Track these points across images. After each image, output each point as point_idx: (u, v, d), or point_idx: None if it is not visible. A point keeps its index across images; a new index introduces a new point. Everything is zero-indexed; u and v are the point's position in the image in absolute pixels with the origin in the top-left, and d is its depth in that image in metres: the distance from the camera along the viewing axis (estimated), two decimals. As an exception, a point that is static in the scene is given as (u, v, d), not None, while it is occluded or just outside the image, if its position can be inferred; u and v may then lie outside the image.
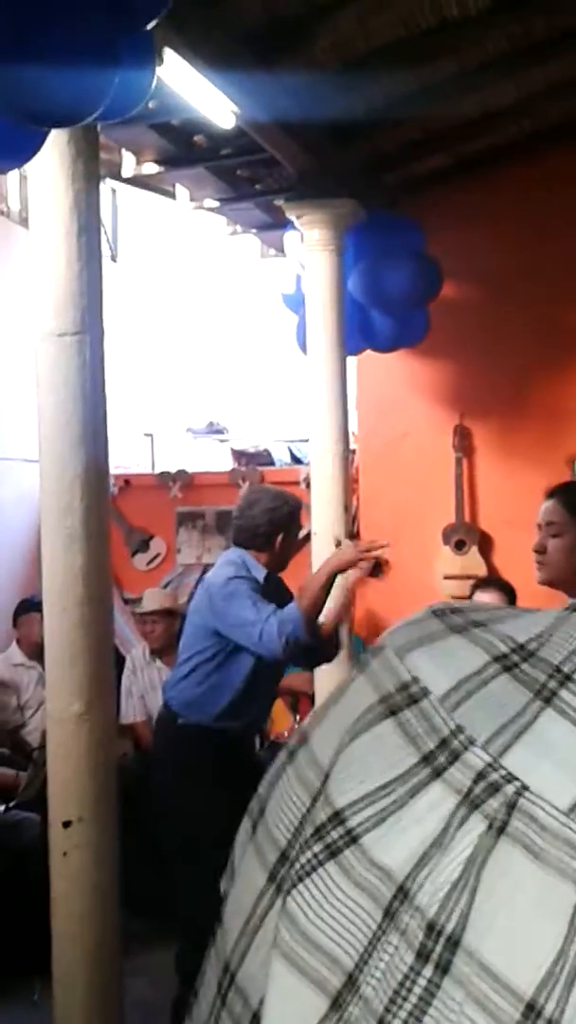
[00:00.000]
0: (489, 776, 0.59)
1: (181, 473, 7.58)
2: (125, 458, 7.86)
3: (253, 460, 8.18)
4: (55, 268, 3.20)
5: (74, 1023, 3.28)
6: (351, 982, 0.60)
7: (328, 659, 4.37)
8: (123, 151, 5.49)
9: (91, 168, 3.23)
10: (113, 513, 7.48)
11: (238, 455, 8.47)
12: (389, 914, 0.60)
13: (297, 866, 0.67)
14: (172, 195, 6.38)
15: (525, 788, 0.59)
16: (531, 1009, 0.53)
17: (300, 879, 0.66)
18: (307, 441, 6.58)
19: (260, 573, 4.09)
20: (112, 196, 8.37)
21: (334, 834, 0.66)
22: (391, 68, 4.88)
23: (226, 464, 8.23)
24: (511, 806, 0.58)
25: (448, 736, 0.65)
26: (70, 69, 2.44)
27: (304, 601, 3.81)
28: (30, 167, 3.20)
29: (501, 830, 0.59)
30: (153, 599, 6.42)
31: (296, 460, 8.26)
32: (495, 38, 5.03)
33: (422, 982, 0.56)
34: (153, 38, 3.17)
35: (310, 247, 5.54)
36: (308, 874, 0.65)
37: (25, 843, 5.13)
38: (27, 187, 3.37)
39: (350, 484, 5.98)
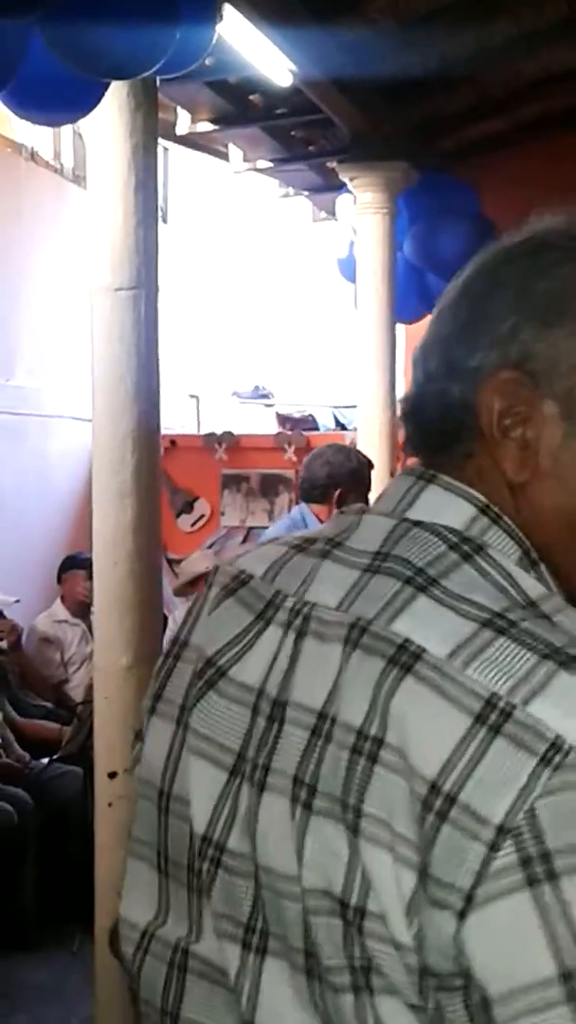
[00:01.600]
0: (297, 609, 0.94)
1: (227, 435, 7.60)
2: (171, 419, 7.88)
3: (298, 425, 8.19)
4: (112, 223, 3.20)
5: (114, 973, 3.32)
6: (240, 757, 0.94)
7: None
8: (178, 109, 5.47)
9: (149, 123, 3.22)
10: (160, 473, 7.52)
11: (283, 419, 8.48)
12: (254, 710, 0.94)
13: (190, 701, 0.99)
14: (225, 156, 6.36)
15: (314, 605, 0.93)
16: (322, 718, 0.87)
17: (193, 706, 0.99)
18: (353, 407, 6.58)
19: (312, 526, 4.08)
20: (164, 156, 8.36)
21: (209, 672, 0.99)
22: (449, 28, 4.84)
23: (271, 428, 8.24)
24: (307, 617, 0.93)
25: (271, 597, 0.98)
26: (131, 22, 2.44)
27: None
28: (88, 122, 3.20)
29: (303, 632, 0.93)
30: (203, 560, 6.43)
31: (341, 426, 8.26)
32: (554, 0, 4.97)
33: (272, 731, 0.91)
34: (213, -7, 3.18)
35: (362, 210, 5.52)
36: (197, 702, 0.98)
37: (68, 796, 5.20)
38: (81, 145, 3.38)
39: (397, 451, 5.97)
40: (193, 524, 7.62)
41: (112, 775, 3.27)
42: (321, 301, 8.22)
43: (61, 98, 2.72)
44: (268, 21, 4.04)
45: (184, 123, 5.49)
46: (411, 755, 0.81)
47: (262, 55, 4.25)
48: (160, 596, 3.49)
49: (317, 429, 8.20)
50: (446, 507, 0.93)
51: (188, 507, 7.63)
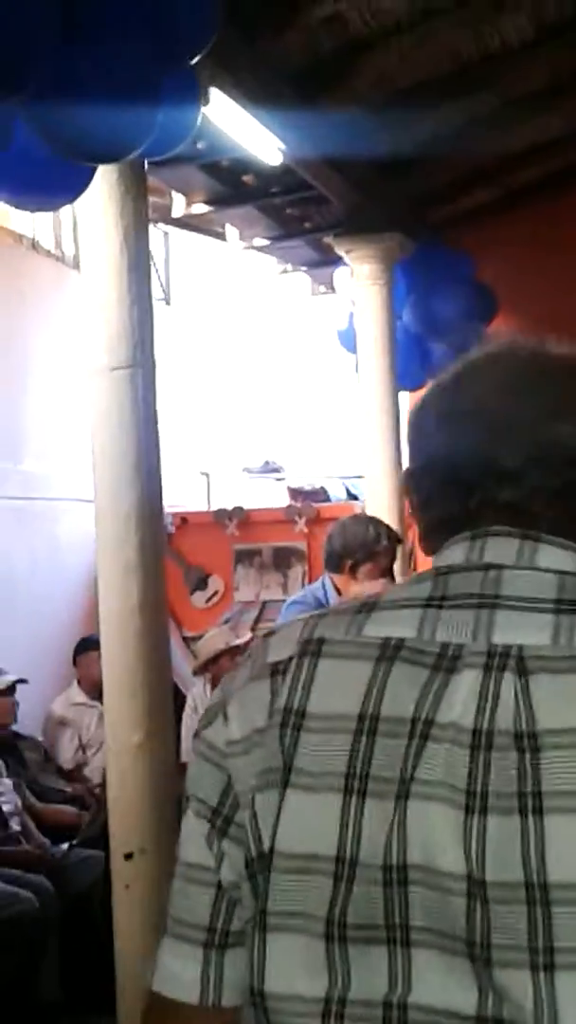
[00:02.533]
0: (493, 653, 1.04)
1: (237, 510, 7.61)
2: (182, 497, 7.92)
3: (309, 498, 8.20)
4: (106, 303, 3.25)
5: None
6: (472, 793, 1.01)
7: None
8: (173, 192, 5.56)
9: (139, 205, 3.28)
10: (171, 551, 7.52)
11: (294, 493, 8.49)
12: (475, 747, 1.03)
13: (408, 761, 1.05)
14: (222, 236, 6.45)
15: (521, 647, 1.02)
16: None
17: (415, 763, 1.05)
18: (362, 477, 6.59)
19: (331, 596, 4.06)
20: (164, 240, 8.48)
21: (419, 727, 1.05)
22: (434, 102, 4.94)
23: (282, 502, 8.25)
24: (519, 658, 1.02)
25: (439, 651, 1.07)
26: (113, 104, 2.49)
27: None
28: (81, 206, 3.26)
29: (520, 671, 1.02)
30: (219, 637, 6.41)
31: (352, 497, 8.27)
32: (538, 69, 5.07)
33: (526, 760, 1.00)
34: (197, 75, 3.24)
35: (360, 281, 5.58)
36: (418, 756, 1.06)
37: (89, 882, 5.14)
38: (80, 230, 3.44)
39: (405, 519, 5.97)
40: (207, 600, 7.62)
41: (128, 856, 3.24)
42: (324, 374, 8.28)
43: (49, 182, 2.77)
44: (254, 102, 4.11)
45: (180, 205, 5.58)
46: None
47: (251, 136, 4.33)
48: (170, 671, 3.46)
49: (328, 500, 8.21)
50: (564, 560, 1.09)
51: (202, 584, 7.63)
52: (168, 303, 8.70)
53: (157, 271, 8.48)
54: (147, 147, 2.78)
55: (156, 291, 8.50)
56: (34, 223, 7.11)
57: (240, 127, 4.25)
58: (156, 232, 8.10)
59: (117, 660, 3.28)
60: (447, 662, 1.03)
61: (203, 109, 4.01)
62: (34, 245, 7.13)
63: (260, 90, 4.16)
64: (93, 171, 2.89)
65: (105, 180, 3.16)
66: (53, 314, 6.87)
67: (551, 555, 1.09)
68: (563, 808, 0.98)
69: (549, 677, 1.01)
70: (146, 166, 3.48)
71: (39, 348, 6.91)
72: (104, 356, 3.26)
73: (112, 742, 3.30)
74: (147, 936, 3.22)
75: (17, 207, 2.99)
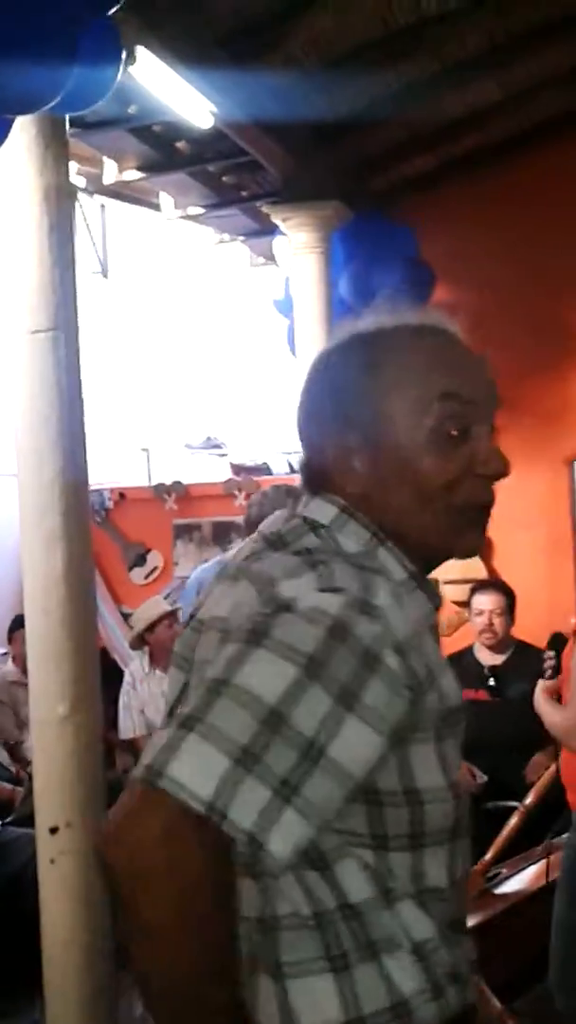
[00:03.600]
0: None
1: (176, 485, 7.54)
2: (122, 473, 7.83)
3: (252, 473, 8.14)
4: (27, 265, 3.16)
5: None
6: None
7: None
8: (104, 160, 5.46)
9: (60, 164, 3.19)
10: (109, 527, 7.44)
11: (237, 469, 8.43)
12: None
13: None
14: (157, 206, 6.35)
15: None
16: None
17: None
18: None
19: None
20: (101, 212, 8.36)
21: None
22: (370, 67, 4.86)
23: (224, 477, 8.18)
24: None
25: None
26: (23, 53, 2.40)
27: None
28: (0, 163, 3.16)
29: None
30: (155, 606, 6.33)
31: (294, 471, 8.22)
32: (475, 34, 5.01)
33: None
34: (123, 33, 3.16)
35: (297, 250, 5.51)
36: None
37: (23, 859, 5.06)
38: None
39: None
40: (146, 577, 7.54)
41: (53, 830, 3.17)
42: (265, 346, 8.20)
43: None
44: (184, 63, 4.03)
45: (112, 171, 5.47)
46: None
47: (181, 98, 4.24)
48: (96, 642, 3.39)
49: (271, 475, 8.15)
50: (320, 508, 1.40)
51: (140, 560, 7.55)
52: (106, 276, 8.58)
53: (94, 241, 8.36)
54: (65, 101, 2.68)
55: (93, 264, 8.42)
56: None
57: (169, 89, 4.16)
58: (92, 204, 7.98)
59: (41, 630, 3.20)
60: None
61: (132, 71, 3.93)
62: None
63: (189, 51, 4.07)
64: (10, 125, 2.79)
65: (25, 135, 3.08)
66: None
67: (313, 505, 1.42)
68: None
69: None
70: (70, 127, 3.39)
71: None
72: (24, 318, 3.17)
73: (36, 713, 3.23)
74: (72, 908, 3.16)
75: None
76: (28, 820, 5.10)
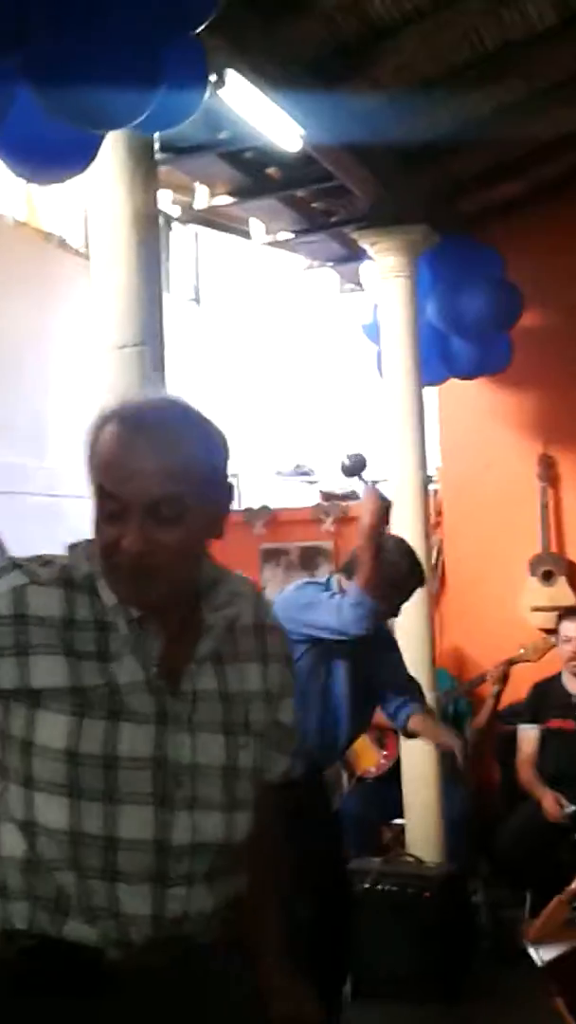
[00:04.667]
0: None
1: (264, 510, 7.57)
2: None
3: (340, 500, 8.13)
4: (115, 280, 3.22)
5: None
6: None
7: None
8: (196, 188, 5.55)
9: (149, 181, 3.26)
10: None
11: (326, 496, 8.43)
12: None
13: None
14: (247, 233, 6.43)
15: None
16: None
17: None
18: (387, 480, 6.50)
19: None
20: (195, 241, 8.48)
21: None
22: (457, 90, 4.89)
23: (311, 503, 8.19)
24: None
25: None
26: (111, 69, 2.47)
27: (360, 578, 3.74)
28: (92, 186, 3.24)
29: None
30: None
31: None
32: (565, 56, 5.00)
33: None
34: (211, 56, 3.22)
35: (384, 274, 5.53)
36: None
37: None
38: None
39: (429, 513, 5.89)
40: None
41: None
42: (356, 372, 8.22)
43: (54, 152, 2.75)
44: (273, 86, 4.09)
45: (203, 197, 5.56)
46: None
47: (270, 121, 4.30)
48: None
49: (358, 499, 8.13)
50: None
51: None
52: (198, 303, 8.69)
53: (187, 269, 8.47)
54: (151, 119, 2.75)
55: (187, 291, 8.56)
56: (62, 223, 7.14)
57: (259, 112, 4.22)
58: (185, 232, 8.11)
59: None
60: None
61: (222, 95, 4.00)
62: (61, 244, 7.15)
63: (279, 75, 4.13)
64: (99, 142, 2.86)
65: (115, 155, 3.15)
66: (79, 312, 6.86)
67: None
68: None
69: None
70: (162, 152, 3.47)
71: (64, 347, 6.92)
72: (111, 333, 3.23)
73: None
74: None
75: (25, 178, 2.97)
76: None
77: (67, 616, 1.74)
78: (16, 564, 1.77)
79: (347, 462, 3.94)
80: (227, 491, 1.81)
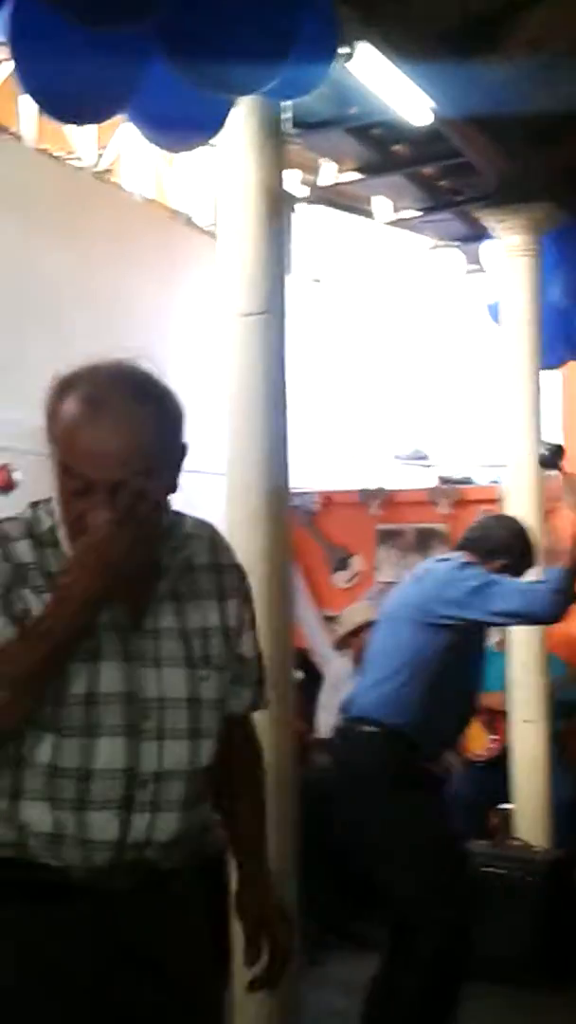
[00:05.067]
0: None
1: (381, 491, 7.56)
2: (329, 481, 7.88)
3: (456, 484, 8.08)
4: (242, 249, 3.25)
5: (253, 1004, 3.25)
6: None
7: None
8: (322, 160, 5.56)
9: (278, 154, 3.28)
10: (314, 530, 7.53)
11: (443, 481, 8.39)
12: None
13: None
14: (368, 213, 6.41)
15: None
16: None
17: None
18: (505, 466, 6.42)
19: None
20: (318, 222, 8.47)
21: None
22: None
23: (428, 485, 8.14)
24: None
25: None
26: (244, 33, 2.49)
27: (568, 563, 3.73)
28: (222, 155, 3.27)
29: None
30: (363, 611, 6.37)
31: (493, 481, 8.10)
32: None
33: None
34: (343, 26, 3.23)
35: (509, 253, 5.47)
36: None
37: (219, 847, 5.16)
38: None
39: (544, 496, 5.77)
40: (348, 581, 7.59)
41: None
42: (480, 355, 8.14)
43: (186, 117, 2.78)
44: (403, 58, 4.07)
45: (329, 173, 5.56)
46: None
47: (399, 94, 4.28)
48: (292, 625, 3.44)
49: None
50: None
51: (343, 564, 7.60)
52: (320, 284, 8.69)
53: (309, 250, 8.48)
54: (282, 87, 2.76)
55: (310, 272, 8.55)
56: (190, 201, 7.21)
57: (388, 85, 4.21)
58: (309, 213, 8.11)
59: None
60: None
61: (352, 68, 4.00)
62: (188, 222, 7.22)
63: (410, 47, 4.12)
64: (229, 109, 2.89)
65: (245, 124, 3.17)
66: (202, 291, 6.93)
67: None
68: None
69: None
70: (289, 119, 3.48)
71: (186, 325, 6.98)
72: (237, 301, 3.26)
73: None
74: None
75: (157, 144, 3.01)
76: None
77: (39, 565, 1.86)
78: None
79: (546, 452, 3.99)
80: (183, 452, 1.91)
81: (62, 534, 1.87)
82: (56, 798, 1.83)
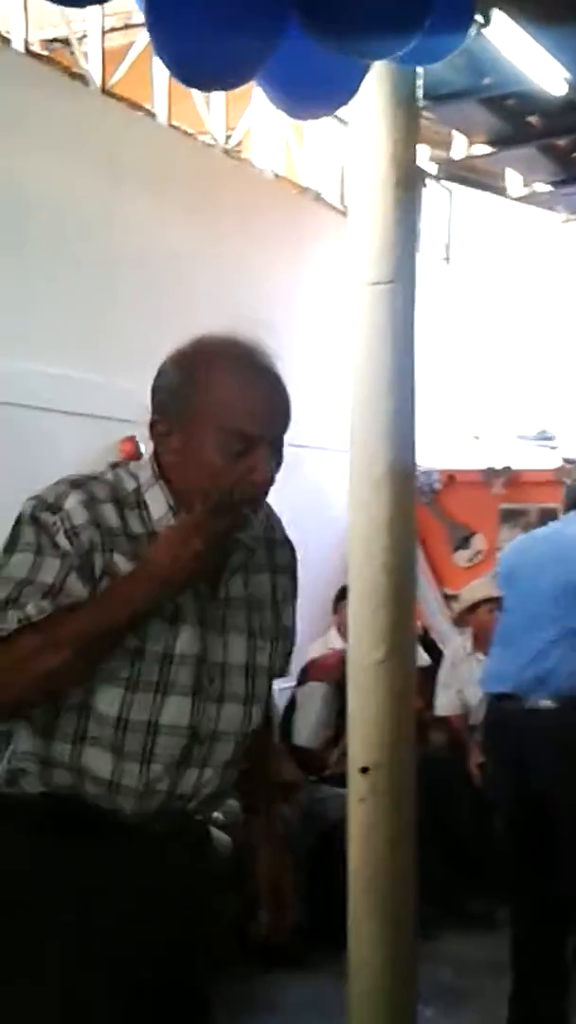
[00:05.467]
0: None
1: (505, 470, 7.49)
2: (452, 460, 7.83)
3: (583, 466, 7.96)
4: (372, 217, 3.24)
5: (368, 997, 3.27)
6: None
7: None
8: (454, 133, 5.51)
9: (410, 117, 3.26)
10: (436, 508, 7.49)
11: (568, 462, 8.26)
12: None
13: None
14: (502, 190, 6.34)
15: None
16: None
17: None
18: None
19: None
20: (449, 199, 8.41)
21: None
22: None
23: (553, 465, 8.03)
24: None
25: None
26: (383, 2, 2.48)
27: None
28: (352, 116, 3.26)
29: None
30: (484, 587, 6.33)
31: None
32: None
33: None
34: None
35: None
36: None
37: (334, 820, 5.18)
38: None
39: None
40: (469, 560, 7.53)
41: (364, 770, 3.24)
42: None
43: (320, 82, 2.78)
44: (540, 27, 4.01)
45: (461, 146, 5.52)
46: None
47: (534, 63, 4.23)
48: (414, 591, 3.43)
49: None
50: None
51: (465, 543, 7.54)
52: (448, 262, 8.63)
53: (439, 228, 8.43)
54: (417, 52, 2.74)
55: (438, 250, 8.50)
56: (319, 178, 7.21)
57: (524, 55, 4.16)
58: (438, 191, 8.05)
59: (363, 575, 3.28)
60: None
61: (487, 36, 3.96)
62: (317, 198, 7.22)
63: (547, 15, 4.05)
64: (363, 74, 2.88)
65: (378, 89, 3.15)
66: (329, 269, 6.92)
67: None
68: None
69: None
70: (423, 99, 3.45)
71: (313, 303, 6.99)
72: (366, 270, 3.25)
73: (354, 656, 3.31)
74: (379, 848, 3.22)
75: (287, 111, 3.00)
76: (342, 779, 5.27)
77: (124, 528, 1.94)
78: (74, 484, 1.95)
79: None
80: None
81: (151, 496, 1.97)
82: (121, 749, 1.94)
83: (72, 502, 1.92)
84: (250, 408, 1.92)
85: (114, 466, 2.02)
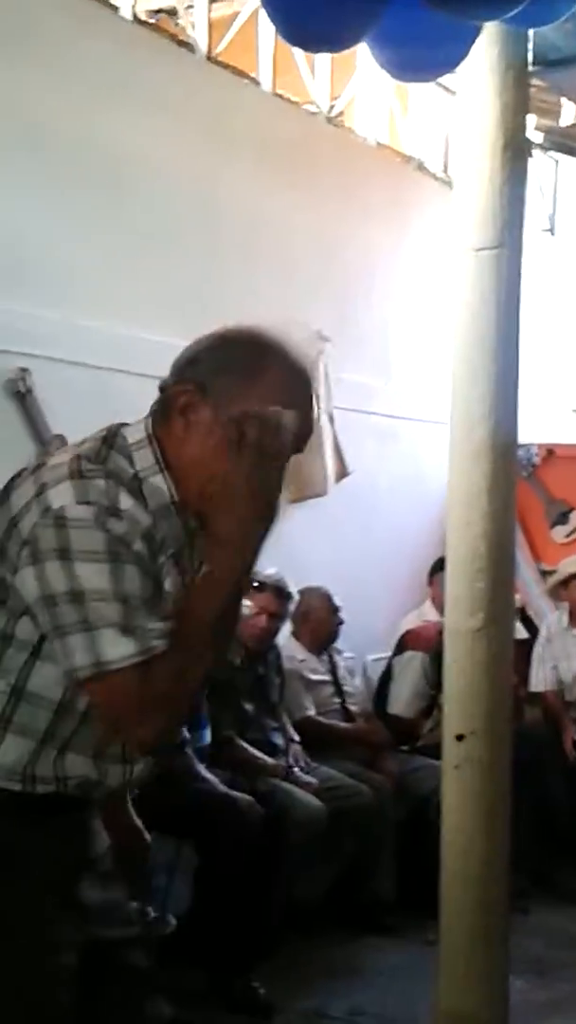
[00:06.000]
0: None
1: (613, 446, 7.38)
2: (552, 434, 7.74)
3: None
4: (479, 182, 3.21)
5: (457, 961, 3.28)
6: None
7: None
8: (563, 101, 5.42)
9: (520, 81, 3.21)
10: (535, 483, 7.42)
11: None
12: None
13: None
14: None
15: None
16: None
17: None
18: None
19: None
20: (555, 169, 8.29)
21: None
22: None
23: None
24: None
25: None
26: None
27: None
28: (460, 80, 3.23)
29: None
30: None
31: None
32: None
33: None
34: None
35: None
36: None
37: (427, 790, 5.18)
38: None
39: None
40: (568, 535, 7.44)
41: (460, 737, 3.24)
42: None
43: (429, 45, 2.75)
44: None
45: (569, 115, 5.42)
46: None
47: None
48: (513, 559, 3.40)
49: None
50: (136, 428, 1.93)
51: (563, 518, 7.45)
52: (553, 234, 8.50)
53: (544, 199, 8.31)
54: (527, 14, 2.70)
55: (543, 221, 8.38)
56: (422, 146, 7.15)
57: None
58: (543, 161, 7.93)
59: (461, 542, 3.27)
60: None
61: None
62: (420, 167, 7.17)
63: None
64: (474, 37, 2.85)
65: (487, 53, 3.12)
66: (431, 238, 6.87)
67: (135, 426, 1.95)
68: None
69: None
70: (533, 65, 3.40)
71: (417, 269, 6.95)
72: (471, 235, 3.22)
73: (451, 623, 3.30)
74: (473, 814, 3.22)
75: (397, 74, 2.99)
76: (433, 750, 5.27)
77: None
78: (109, 475, 1.85)
79: None
80: None
81: (151, 486, 1.87)
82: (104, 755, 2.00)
83: (127, 502, 1.84)
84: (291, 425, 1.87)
85: (104, 438, 1.90)
